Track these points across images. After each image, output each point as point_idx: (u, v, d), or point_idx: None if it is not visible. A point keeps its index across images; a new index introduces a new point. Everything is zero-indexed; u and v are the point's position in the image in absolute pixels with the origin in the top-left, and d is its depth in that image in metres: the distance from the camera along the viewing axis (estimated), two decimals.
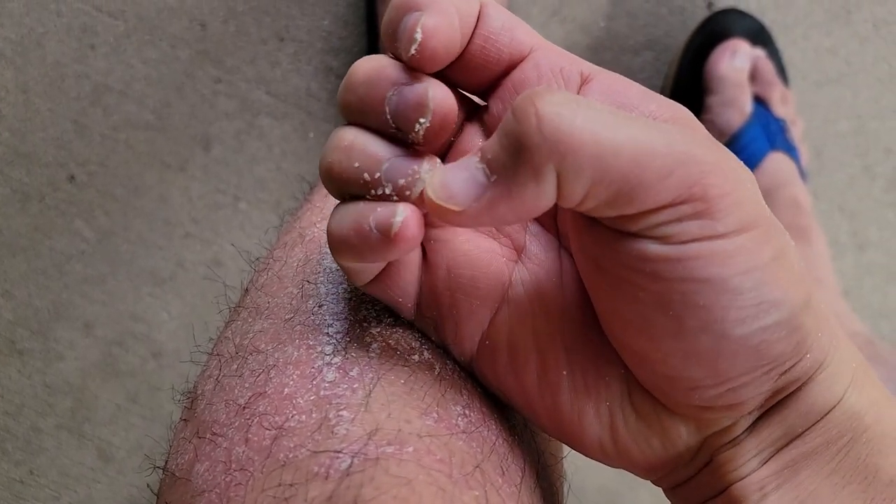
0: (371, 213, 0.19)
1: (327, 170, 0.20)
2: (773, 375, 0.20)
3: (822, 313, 0.20)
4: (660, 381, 0.20)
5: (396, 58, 0.20)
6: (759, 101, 0.62)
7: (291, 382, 0.21)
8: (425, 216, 0.20)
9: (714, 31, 0.62)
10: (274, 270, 0.27)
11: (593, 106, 0.17)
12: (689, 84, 0.63)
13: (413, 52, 0.19)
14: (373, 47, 0.60)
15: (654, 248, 0.18)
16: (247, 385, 0.22)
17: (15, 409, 0.69)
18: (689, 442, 0.21)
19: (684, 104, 0.71)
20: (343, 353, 0.22)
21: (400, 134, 0.20)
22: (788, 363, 0.19)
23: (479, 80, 0.21)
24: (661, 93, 0.65)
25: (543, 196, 0.18)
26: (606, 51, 0.65)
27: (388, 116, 0.20)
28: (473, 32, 0.21)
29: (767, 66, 0.63)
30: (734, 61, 0.61)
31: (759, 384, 0.20)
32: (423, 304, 0.23)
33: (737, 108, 0.61)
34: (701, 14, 0.65)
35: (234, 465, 0.20)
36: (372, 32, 0.60)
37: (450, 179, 0.18)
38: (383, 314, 0.24)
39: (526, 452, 0.24)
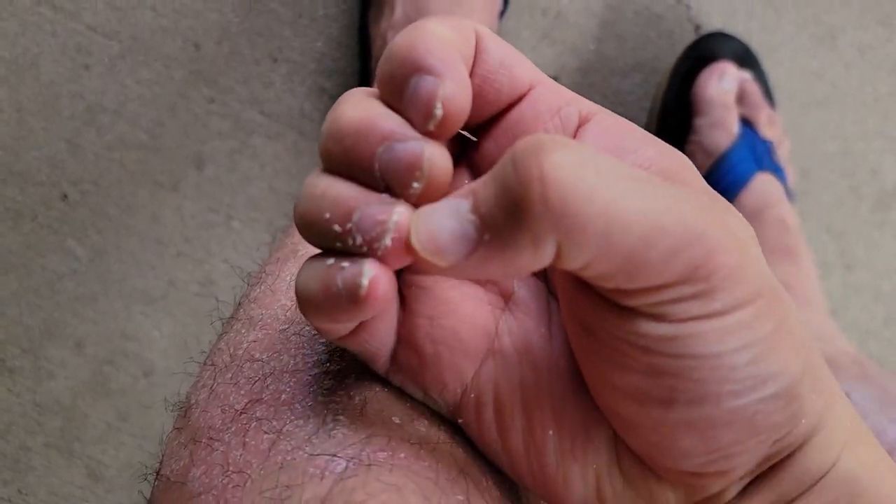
0: (338, 273, 0.18)
1: (300, 219, 0.19)
2: (767, 443, 0.19)
3: (819, 375, 0.19)
4: (649, 447, 0.19)
5: (388, 104, 0.19)
6: (747, 123, 0.63)
7: (288, 389, 0.22)
8: (408, 258, 0.18)
9: (702, 53, 0.63)
10: (267, 284, 0.27)
11: (604, 168, 0.16)
12: (677, 106, 0.64)
13: (432, 127, 0.18)
14: (365, 70, 0.61)
15: (648, 325, 0.17)
16: (243, 392, 0.22)
17: (4, 428, 0.69)
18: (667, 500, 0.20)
19: (673, 125, 0.72)
20: (339, 360, 0.23)
21: (389, 191, 0.18)
22: (784, 430, 0.19)
23: (472, 118, 0.20)
24: (650, 114, 0.66)
25: (540, 261, 0.16)
26: (596, 73, 0.66)
27: (377, 174, 0.18)
28: (471, 72, 0.19)
29: (754, 89, 0.64)
30: (721, 83, 0.62)
31: (752, 452, 0.19)
32: (402, 354, 0.21)
33: (724, 129, 0.62)
34: (689, 37, 0.66)
35: (231, 468, 0.20)
36: (364, 55, 0.61)
37: (437, 230, 0.17)
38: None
39: None
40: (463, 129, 0.20)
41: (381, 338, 0.21)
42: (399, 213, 0.18)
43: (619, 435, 0.20)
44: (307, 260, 0.19)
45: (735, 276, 0.17)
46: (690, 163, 0.20)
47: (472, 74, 0.19)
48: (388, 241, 0.18)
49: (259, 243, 0.67)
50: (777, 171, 0.63)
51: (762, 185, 0.62)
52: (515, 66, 0.20)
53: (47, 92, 0.63)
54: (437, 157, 0.18)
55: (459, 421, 0.22)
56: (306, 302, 0.19)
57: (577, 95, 0.21)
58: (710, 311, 0.17)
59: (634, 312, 0.17)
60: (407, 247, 0.17)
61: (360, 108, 0.18)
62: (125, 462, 0.70)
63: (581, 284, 0.18)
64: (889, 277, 0.71)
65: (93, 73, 0.63)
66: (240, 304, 0.28)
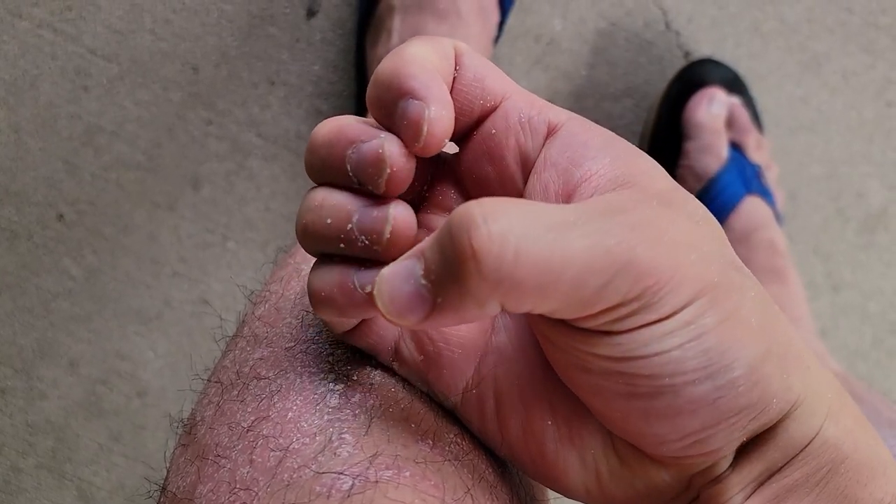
0: (354, 273, 0.20)
1: (303, 230, 0.21)
2: (740, 425, 0.20)
3: (791, 353, 0.20)
4: (628, 436, 0.21)
5: (382, 125, 0.21)
6: (735, 147, 0.64)
7: (295, 407, 0.22)
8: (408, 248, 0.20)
9: (691, 79, 0.65)
10: (271, 302, 0.27)
11: (530, 228, 0.17)
12: (667, 130, 0.65)
13: (420, 145, 0.20)
14: (362, 93, 0.62)
15: (597, 338, 0.19)
16: (249, 409, 0.22)
17: None
18: (673, 483, 0.22)
19: (663, 149, 0.73)
20: (345, 379, 0.23)
21: (364, 188, 0.20)
22: (753, 412, 0.20)
23: (454, 131, 0.22)
24: (641, 138, 0.67)
25: (489, 314, 0.18)
26: (588, 98, 0.67)
27: (351, 174, 0.20)
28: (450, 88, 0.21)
29: (743, 114, 0.65)
30: (711, 108, 0.64)
31: (727, 434, 0.20)
32: (404, 350, 0.23)
33: (714, 153, 0.63)
34: (678, 63, 0.67)
35: (238, 486, 0.20)
36: (361, 78, 0.62)
37: (396, 294, 0.18)
38: None
39: (514, 482, 0.24)
40: None
41: (381, 333, 0.23)
42: (393, 206, 0.20)
43: None
44: (316, 263, 0.21)
45: (668, 287, 0.18)
46: (648, 164, 0.21)
47: (451, 90, 0.21)
48: (387, 234, 0.20)
49: (254, 263, 0.67)
50: (765, 194, 0.64)
51: (751, 208, 0.63)
52: (487, 77, 0.21)
53: (46, 113, 0.63)
54: (395, 149, 0.20)
55: (461, 415, 0.23)
56: (320, 299, 0.21)
57: (548, 104, 0.22)
58: (650, 320, 0.18)
59: (583, 331, 0.19)
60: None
61: (330, 123, 0.21)
62: (117, 484, 0.69)
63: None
64: (875, 298, 0.73)
65: (91, 95, 0.63)
66: (244, 321, 0.29)
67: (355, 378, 0.23)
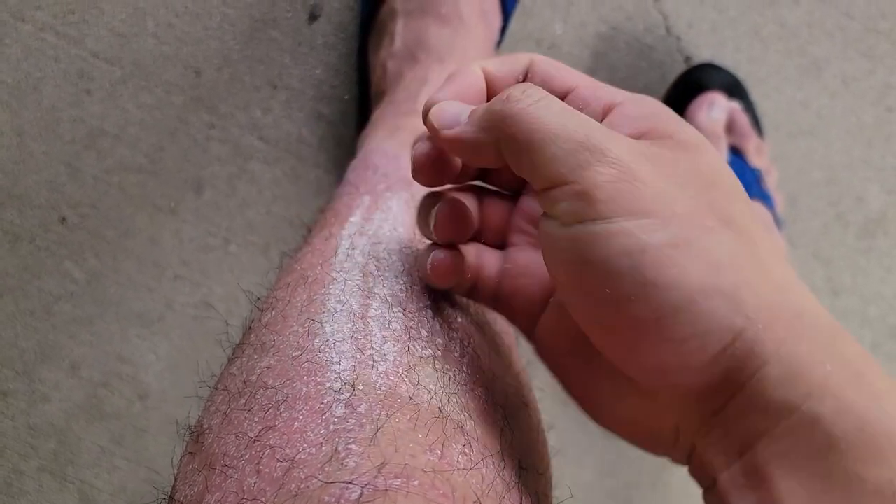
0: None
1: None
2: (696, 359, 0.21)
3: (785, 312, 0.22)
4: (617, 362, 0.24)
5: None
6: (735, 152, 0.65)
7: (301, 417, 0.22)
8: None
9: (691, 84, 0.65)
10: (278, 309, 0.27)
11: (544, 109, 0.23)
12: None
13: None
14: (363, 97, 0.62)
15: (551, 226, 0.23)
16: (256, 419, 0.23)
17: None
18: (671, 424, 0.24)
19: None
20: (351, 389, 0.23)
21: None
22: (702, 344, 0.21)
23: None
24: None
25: (487, 154, 0.24)
26: None
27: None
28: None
29: (742, 118, 0.65)
30: (711, 113, 0.64)
31: (682, 360, 0.22)
32: (482, 285, 0.29)
33: None
34: (679, 68, 0.67)
35: (246, 496, 0.20)
36: (363, 83, 0.62)
37: (445, 109, 0.25)
38: (389, 353, 0.25)
39: (523, 493, 0.24)
40: None
41: (489, 267, 0.29)
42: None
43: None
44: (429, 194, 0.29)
45: (614, 187, 0.21)
46: (678, 125, 0.24)
47: None
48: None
49: (256, 267, 0.67)
50: (766, 198, 0.65)
51: None
52: (554, 79, 0.27)
53: (48, 116, 0.64)
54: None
55: (536, 350, 0.29)
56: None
57: (612, 90, 0.26)
58: (591, 215, 0.21)
59: (547, 216, 0.23)
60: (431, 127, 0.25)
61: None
62: (118, 486, 0.69)
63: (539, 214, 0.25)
64: (875, 303, 0.73)
65: (94, 98, 0.64)
66: (250, 328, 0.29)
67: (361, 388, 0.23)
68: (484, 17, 0.57)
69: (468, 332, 0.29)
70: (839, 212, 0.71)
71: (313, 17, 0.64)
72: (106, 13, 0.62)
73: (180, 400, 0.68)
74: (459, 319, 0.30)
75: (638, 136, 0.24)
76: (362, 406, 0.22)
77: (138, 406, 0.69)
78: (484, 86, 0.27)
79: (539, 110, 0.22)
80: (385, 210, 0.35)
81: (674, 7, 0.67)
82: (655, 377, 0.23)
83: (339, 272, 0.29)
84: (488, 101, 0.28)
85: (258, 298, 0.31)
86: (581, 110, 0.25)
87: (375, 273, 0.29)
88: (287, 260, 0.34)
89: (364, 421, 0.22)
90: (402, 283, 0.29)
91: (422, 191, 0.34)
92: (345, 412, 0.22)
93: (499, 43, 0.62)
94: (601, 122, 0.25)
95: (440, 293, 0.30)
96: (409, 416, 0.23)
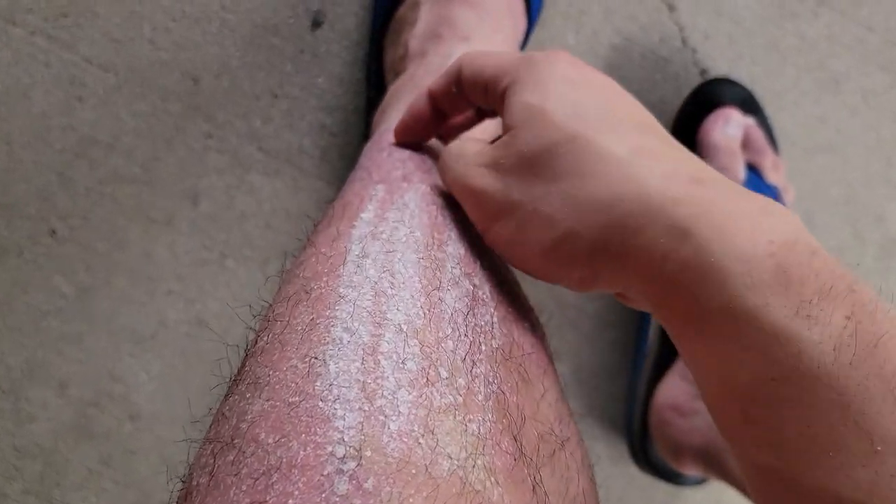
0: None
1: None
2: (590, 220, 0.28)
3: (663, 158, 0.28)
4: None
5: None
6: (752, 169, 0.62)
7: (297, 492, 0.19)
8: None
9: (706, 99, 0.63)
10: (275, 332, 0.24)
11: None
12: None
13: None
14: (372, 106, 0.60)
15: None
16: (245, 487, 0.20)
17: None
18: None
19: None
20: (357, 457, 0.20)
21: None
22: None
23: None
24: None
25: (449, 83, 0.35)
26: None
27: None
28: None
29: (758, 134, 0.63)
30: (727, 129, 0.62)
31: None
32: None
33: (731, 174, 0.61)
34: (694, 80, 0.65)
35: None
36: (377, 83, 0.60)
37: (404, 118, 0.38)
38: (403, 404, 0.22)
39: None
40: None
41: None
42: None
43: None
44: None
45: (507, 102, 0.31)
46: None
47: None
48: None
49: (253, 283, 0.64)
50: None
51: None
52: (485, 70, 0.35)
53: (38, 124, 0.61)
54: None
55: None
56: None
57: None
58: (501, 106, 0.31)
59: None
60: None
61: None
62: None
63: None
64: None
65: (86, 106, 0.61)
66: (247, 354, 0.26)
67: (369, 454, 0.20)
68: (511, 14, 0.55)
69: (492, 365, 0.26)
70: (857, 230, 0.69)
71: (316, 24, 0.62)
72: (100, 17, 0.60)
73: (171, 420, 0.65)
74: (483, 347, 0.27)
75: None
76: (370, 481, 0.19)
77: (128, 426, 0.66)
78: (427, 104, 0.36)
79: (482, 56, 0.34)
80: (401, 207, 0.31)
81: (690, 18, 0.64)
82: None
83: (347, 288, 0.26)
84: (432, 113, 0.37)
85: (255, 315, 0.28)
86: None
87: (390, 292, 0.26)
88: (290, 262, 0.31)
89: (371, 502, 0.19)
90: (419, 305, 0.26)
91: (441, 183, 0.33)
92: (348, 489, 0.19)
93: (522, 47, 0.60)
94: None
95: (461, 315, 0.27)
96: (425, 495, 0.19)
